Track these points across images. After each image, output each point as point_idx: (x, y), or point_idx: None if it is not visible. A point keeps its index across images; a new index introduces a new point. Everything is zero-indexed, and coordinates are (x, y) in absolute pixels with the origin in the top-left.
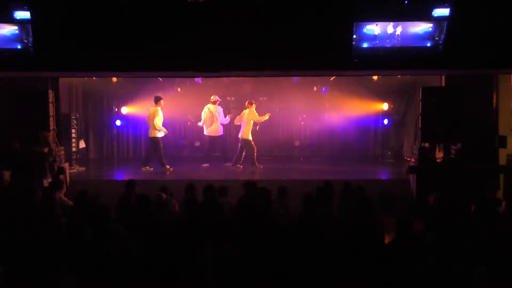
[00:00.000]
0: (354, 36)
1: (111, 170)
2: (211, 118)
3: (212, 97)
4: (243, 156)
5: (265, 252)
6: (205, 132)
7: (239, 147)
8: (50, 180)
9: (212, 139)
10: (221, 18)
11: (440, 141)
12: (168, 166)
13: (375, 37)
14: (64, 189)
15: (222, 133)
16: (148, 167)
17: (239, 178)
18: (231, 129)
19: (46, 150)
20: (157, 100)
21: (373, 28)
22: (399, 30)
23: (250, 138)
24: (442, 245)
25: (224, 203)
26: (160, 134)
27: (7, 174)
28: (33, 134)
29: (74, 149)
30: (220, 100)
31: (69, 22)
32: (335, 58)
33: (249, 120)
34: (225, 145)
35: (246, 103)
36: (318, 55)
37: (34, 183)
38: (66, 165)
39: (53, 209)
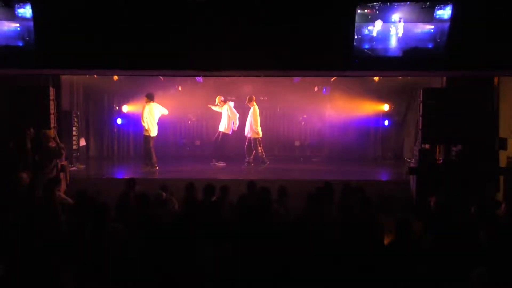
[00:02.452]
0: (356, 37)
1: (111, 168)
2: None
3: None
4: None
5: (265, 252)
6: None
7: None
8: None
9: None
10: (222, 18)
11: (440, 143)
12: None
13: (376, 38)
14: (64, 187)
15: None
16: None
17: (239, 178)
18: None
19: (55, 146)
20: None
21: (375, 29)
22: (400, 31)
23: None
24: (441, 246)
25: (224, 202)
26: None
27: (26, 176)
28: (41, 132)
29: (74, 146)
30: (222, 100)
31: (70, 20)
32: (336, 58)
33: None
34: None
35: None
36: (319, 55)
37: (39, 180)
38: (66, 162)
39: (53, 207)
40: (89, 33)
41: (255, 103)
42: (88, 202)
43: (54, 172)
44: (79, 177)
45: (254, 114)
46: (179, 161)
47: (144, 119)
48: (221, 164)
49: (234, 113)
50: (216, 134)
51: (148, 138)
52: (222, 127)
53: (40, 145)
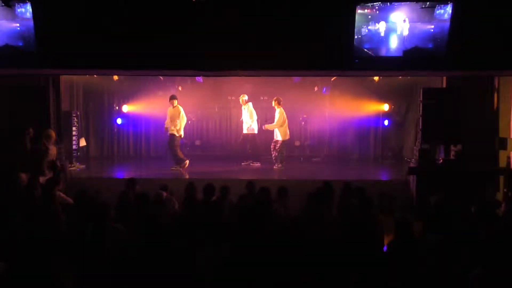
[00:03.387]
0: (356, 37)
1: (111, 168)
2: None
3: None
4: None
5: (264, 252)
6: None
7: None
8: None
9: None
10: (222, 18)
11: (440, 142)
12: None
13: (376, 37)
14: (64, 187)
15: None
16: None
17: (239, 177)
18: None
19: (53, 147)
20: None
21: (374, 29)
22: (400, 31)
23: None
24: (441, 246)
25: (224, 202)
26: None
27: (24, 177)
28: (40, 132)
29: (74, 146)
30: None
31: (71, 20)
32: (336, 58)
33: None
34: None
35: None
36: (319, 55)
37: (38, 180)
38: (66, 162)
39: (53, 206)
40: (89, 33)
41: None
42: (88, 202)
43: (50, 173)
44: (79, 177)
45: (280, 117)
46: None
47: (180, 119)
48: (256, 164)
49: (253, 112)
50: (243, 137)
51: (176, 137)
52: (246, 128)
53: (40, 145)
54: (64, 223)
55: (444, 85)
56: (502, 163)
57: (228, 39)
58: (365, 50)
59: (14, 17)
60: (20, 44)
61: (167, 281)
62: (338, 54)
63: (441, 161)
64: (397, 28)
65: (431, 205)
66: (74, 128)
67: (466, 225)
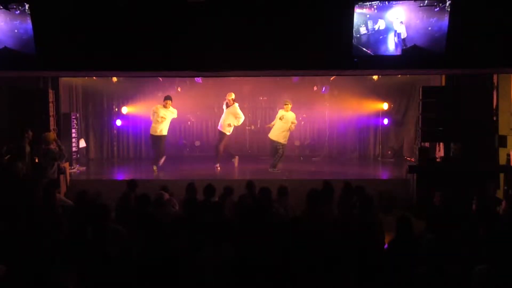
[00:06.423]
0: (355, 36)
1: (111, 170)
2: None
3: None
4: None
5: (265, 252)
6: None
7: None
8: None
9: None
10: (221, 18)
11: (440, 141)
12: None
13: (375, 36)
14: (64, 189)
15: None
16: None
17: (239, 178)
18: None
19: (56, 149)
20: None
21: (373, 28)
22: (399, 29)
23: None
24: (442, 244)
25: (225, 203)
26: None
27: (21, 166)
28: (41, 134)
29: (74, 148)
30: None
31: (69, 21)
32: (335, 57)
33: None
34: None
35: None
36: (318, 55)
37: (40, 183)
38: (67, 164)
39: (54, 208)
40: (88, 35)
41: None
42: (88, 203)
43: (55, 175)
44: (79, 179)
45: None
46: (179, 162)
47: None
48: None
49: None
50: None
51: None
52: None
53: (40, 148)
54: (64, 225)
55: (444, 84)
56: (502, 160)
57: (227, 40)
58: (364, 49)
59: (13, 19)
60: (19, 46)
61: (167, 282)
62: (337, 53)
63: (441, 159)
64: (396, 27)
65: (433, 203)
66: (73, 130)
67: (466, 223)
